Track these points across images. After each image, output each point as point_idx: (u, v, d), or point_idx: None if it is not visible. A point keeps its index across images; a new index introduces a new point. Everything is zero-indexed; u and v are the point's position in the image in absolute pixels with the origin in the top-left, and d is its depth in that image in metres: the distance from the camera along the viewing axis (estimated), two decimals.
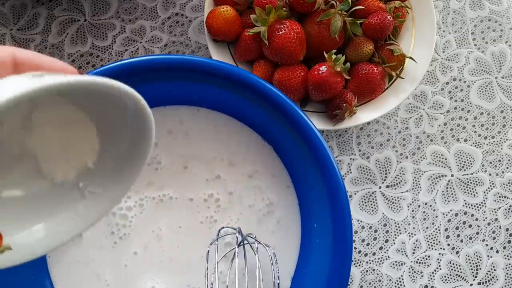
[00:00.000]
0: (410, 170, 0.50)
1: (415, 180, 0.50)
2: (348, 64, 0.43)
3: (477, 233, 0.49)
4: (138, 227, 0.42)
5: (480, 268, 0.49)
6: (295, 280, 0.42)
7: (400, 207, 0.49)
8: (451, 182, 0.50)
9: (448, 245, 0.49)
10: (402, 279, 0.48)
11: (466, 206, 0.50)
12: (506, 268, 0.49)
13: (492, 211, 0.50)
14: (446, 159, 0.51)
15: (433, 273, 0.48)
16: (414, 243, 0.49)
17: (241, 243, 0.39)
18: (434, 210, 0.50)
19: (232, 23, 0.44)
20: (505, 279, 0.49)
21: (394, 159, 0.50)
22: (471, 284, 0.49)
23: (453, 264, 0.49)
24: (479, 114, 0.52)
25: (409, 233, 0.49)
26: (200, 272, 0.41)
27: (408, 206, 0.50)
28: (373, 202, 0.49)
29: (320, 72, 0.43)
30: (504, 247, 0.49)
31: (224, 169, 0.43)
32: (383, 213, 0.49)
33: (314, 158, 0.39)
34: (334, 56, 0.43)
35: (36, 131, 0.25)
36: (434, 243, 0.49)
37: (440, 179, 0.50)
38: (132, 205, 0.42)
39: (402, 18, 0.47)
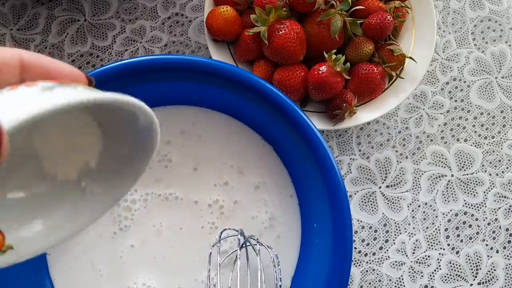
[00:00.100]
0: (410, 170, 0.50)
1: (415, 180, 0.50)
2: (348, 64, 0.43)
3: (477, 233, 0.49)
4: (139, 221, 0.42)
5: (480, 268, 0.49)
6: (295, 280, 0.42)
7: (400, 207, 0.49)
8: (451, 182, 0.50)
9: (448, 245, 0.49)
10: (402, 279, 0.48)
11: (466, 206, 0.50)
12: (506, 268, 0.49)
13: (492, 211, 0.50)
14: (446, 159, 0.51)
15: (433, 273, 0.48)
16: (414, 243, 0.49)
17: (243, 245, 0.39)
18: (434, 210, 0.50)
19: (232, 23, 0.44)
20: (505, 279, 0.49)
21: (394, 159, 0.50)
22: (471, 284, 0.49)
23: (453, 264, 0.49)
24: (479, 114, 0.52)
25: (409, 233, 0.49)
26: (192, 276, 0.41)
27: (408, 206, 0.49)
28: (373, 202, 0.49)
29: (320, 72, 0.43)
30: (504, 247, 0.49)
31: (233, 177, 0.43)
32: (383, 213, 0.49)
33: (314, 158, 0.39)
34: (334, 56, 0.43)
35: (40, 131, 0.25)
36: (434, 243, 0.49)
37: (440, 179, 0.50)
38: (137, 198, 0.42)
39: (402, 18, 0.47)
